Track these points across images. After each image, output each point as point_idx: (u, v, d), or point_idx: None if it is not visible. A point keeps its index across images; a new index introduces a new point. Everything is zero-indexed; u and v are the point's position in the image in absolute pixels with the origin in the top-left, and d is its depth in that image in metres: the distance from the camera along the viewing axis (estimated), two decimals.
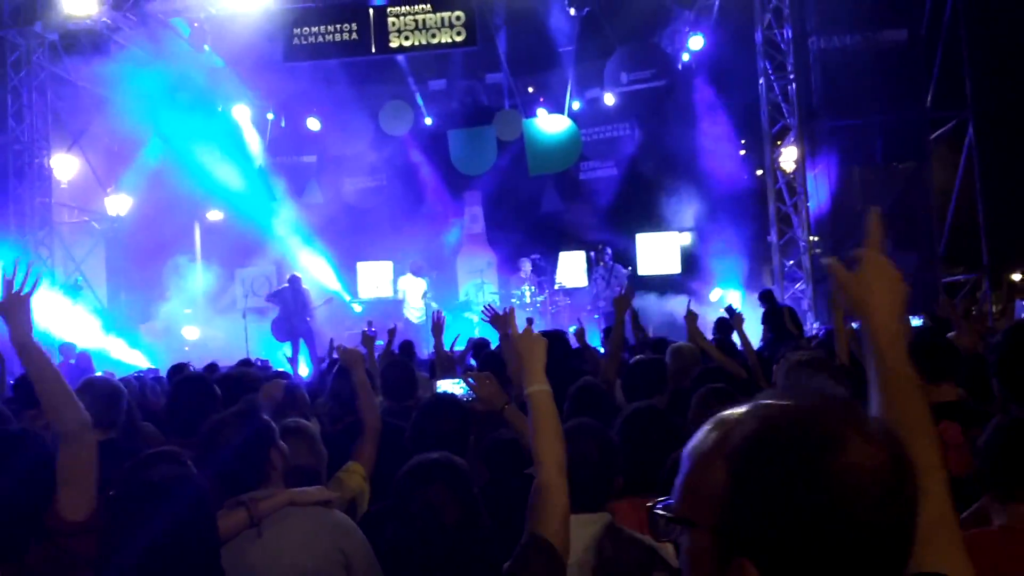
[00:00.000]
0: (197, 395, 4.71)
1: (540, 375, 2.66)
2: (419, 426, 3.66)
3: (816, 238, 14.31)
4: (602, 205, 18.00)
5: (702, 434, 1.18)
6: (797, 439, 1.10)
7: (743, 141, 22.11)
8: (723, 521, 1.11)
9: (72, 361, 10.80)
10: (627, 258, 17.75)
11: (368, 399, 4.12)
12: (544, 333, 6.19)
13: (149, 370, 11.44)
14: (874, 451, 1.10)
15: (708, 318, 9.81)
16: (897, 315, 1.72)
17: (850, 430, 1.11)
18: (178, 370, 7.66)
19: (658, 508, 1.21)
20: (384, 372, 5.58)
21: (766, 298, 11.29)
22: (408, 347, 9.15)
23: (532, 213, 18.38)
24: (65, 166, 16.72)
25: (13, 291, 3.20)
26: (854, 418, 1.13)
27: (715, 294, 17.15)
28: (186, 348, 15.79)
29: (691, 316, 7.43)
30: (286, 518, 2.99)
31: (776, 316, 9.98)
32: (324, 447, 3.73)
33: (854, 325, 9.14)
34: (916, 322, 9.14)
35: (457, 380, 5.23)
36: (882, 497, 1.08)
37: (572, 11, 14.37)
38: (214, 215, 19.50)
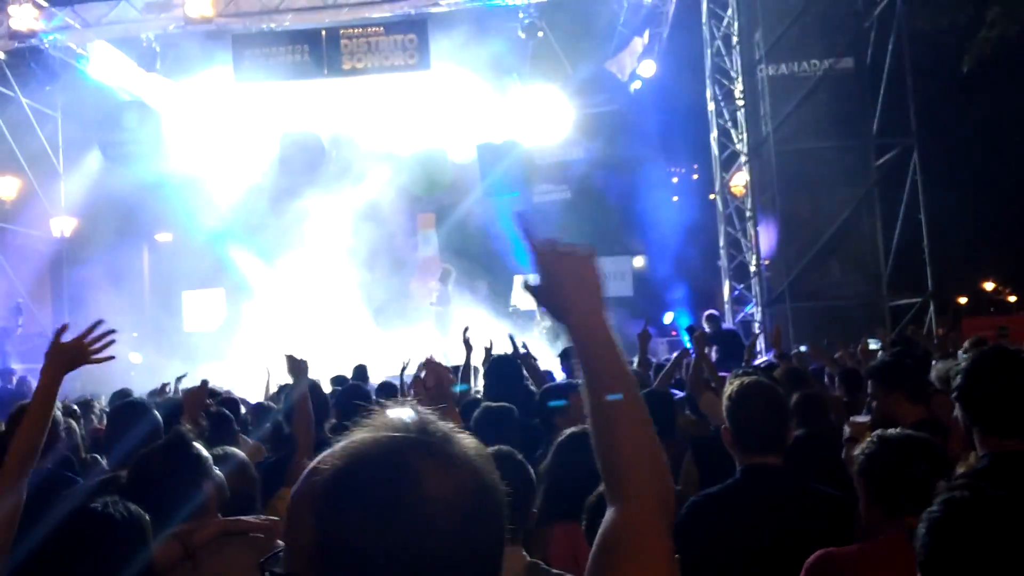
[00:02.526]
0: (135, 422, 4.57)
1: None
2: None
3: (767, 262, 14.48)
4: (555, 228, 18.03)
5: (298, 483, 1.17)
6: (372, 478, 1.10)
7: (695, 166, 22.43)
8: (316, 572, 1.10)
9: (11, 386, 10.51)
10: None
11: (305, 416, 4.00)
12: (498, 358, 6.17)
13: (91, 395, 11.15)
14: (453, 481, 1.11)
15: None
16: (597, 309, 1.54)
17: (427, 461, 1.11)
18: (121, 396, 7.46)
19: (268, 564, 1.20)
20: (339, 393, 5.53)
21: (711, 320, 11.38)
22: (362, 370, 9.06)
23: (486, 236, 18.36)
24: (9, 186, 16.36)
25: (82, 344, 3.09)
26: (433, 447, 1.13)
27: (667, 317, 17.29)
28: (132, 373, 15.44)
29: (645, 336, 7.53)
30: (223, 548, 2.90)
31: (726, 338, 10.06)
32: (256, 472, 3.65)
33: (802, 348, 9.24)
34: (874, 345, 9.24)
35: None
36: (461, 526, 1.09)
37: (523, 35, 14.41)
38: (163, 236, 19.20)
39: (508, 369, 5.90)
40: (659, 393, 5.65)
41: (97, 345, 3.12)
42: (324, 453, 1.16)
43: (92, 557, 2.35)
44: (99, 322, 3.15)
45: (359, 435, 1.15)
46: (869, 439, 2.87)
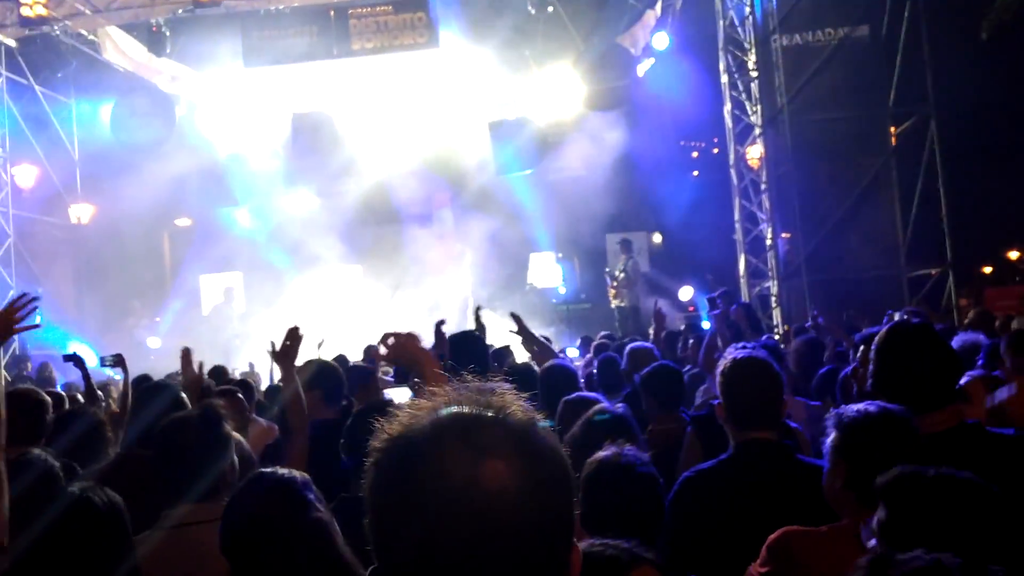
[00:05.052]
0: (162, 404, 4.53)
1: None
2: (352, 432, 3.58)
3: (787, 235, 14.34)
4: (571, 205, 17.94)
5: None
6: (404, 457, 1.11)
7: (716, 139, 22.21)
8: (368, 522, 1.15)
9: (25, 372, 10.61)
10: (598, 258, 17.74)
11: (296, 401, 3.95)
12: (458, 335, 6.05)
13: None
14: (483, 476, 1.08)
15: None
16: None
17: (462, 451, 1.10)
18: (142, 381, 7.48)
19: None
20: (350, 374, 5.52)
21: (726, 297, 11.30)
22: (369, 351, 9.06)
23: (500, 213, 18.28)
24: (26, 174, 16.46)
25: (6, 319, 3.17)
26: (476, 435, 1.12)
27: (685, 292, 17.18)
28: (151, 357, 15.57)
29: (659, 315, 7.73)
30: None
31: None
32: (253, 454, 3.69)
33: (819, 320, 9.13)
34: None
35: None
36: (480, 526, 1.07)
37: (533, 11, 14.30)
38: (182, 222, 19.28)
39: (469, 347, 5.25)
40: (668, 368, 5.51)
41: (21, 314, 3.19)
42: (396, 412, 1.19)
43: (74, 541, 2.38)
44: (24, 295, 3.23)
45: (427, 403, 1.17)
46: (852, 412, 2.57)
